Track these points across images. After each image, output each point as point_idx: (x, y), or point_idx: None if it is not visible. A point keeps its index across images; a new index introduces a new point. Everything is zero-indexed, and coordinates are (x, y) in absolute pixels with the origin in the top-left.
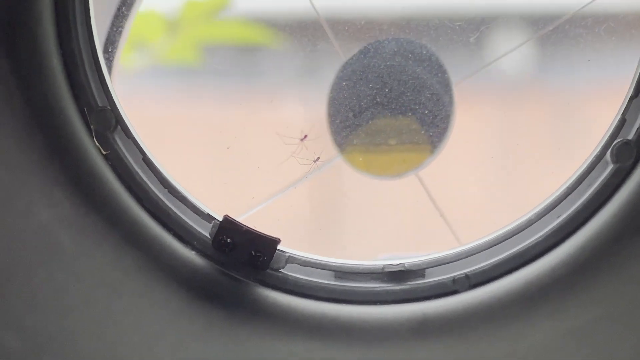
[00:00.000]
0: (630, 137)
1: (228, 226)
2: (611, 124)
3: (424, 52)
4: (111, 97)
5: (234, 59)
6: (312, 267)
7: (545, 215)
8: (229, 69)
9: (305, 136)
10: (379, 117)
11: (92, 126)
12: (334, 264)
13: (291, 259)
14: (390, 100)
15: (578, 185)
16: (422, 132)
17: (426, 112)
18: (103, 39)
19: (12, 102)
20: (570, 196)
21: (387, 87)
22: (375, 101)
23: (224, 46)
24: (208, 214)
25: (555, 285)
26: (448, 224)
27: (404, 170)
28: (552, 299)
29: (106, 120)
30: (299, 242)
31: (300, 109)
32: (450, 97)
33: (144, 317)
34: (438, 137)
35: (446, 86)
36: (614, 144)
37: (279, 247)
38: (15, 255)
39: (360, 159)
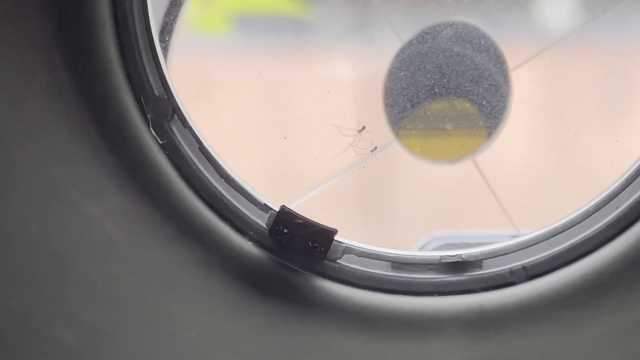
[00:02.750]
0: None
1: (285, 217)
2: None
3: (483, 42)
4: (168, 86)
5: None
6: (369, 257)
7: (603, 206)
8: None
9: (363, 127)
10: (436, 101)
11: (148, 115)
12: (391, 255)
13: (348, 250)
14: (449, 91)
15: (637, 177)
16: (480, 122)
17: (484, 102)
18: (159, 27)
19: (67, 92)
20: (629, 187)
21: (445, 78)
22: (433, 92)
23: (256, 17)
24: (265, 204)
25: (615, 277)
26: (504, 209)
27: (461, 155)
28: (612, 291)
29: (163, 110)
30: (355, 227)
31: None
32: (508, 86)
33: (200, 310)
34: (495, 125)
35: (504, 75)
36: None
37: (336, 237)
38: (71, 249)
39: (417, 144)
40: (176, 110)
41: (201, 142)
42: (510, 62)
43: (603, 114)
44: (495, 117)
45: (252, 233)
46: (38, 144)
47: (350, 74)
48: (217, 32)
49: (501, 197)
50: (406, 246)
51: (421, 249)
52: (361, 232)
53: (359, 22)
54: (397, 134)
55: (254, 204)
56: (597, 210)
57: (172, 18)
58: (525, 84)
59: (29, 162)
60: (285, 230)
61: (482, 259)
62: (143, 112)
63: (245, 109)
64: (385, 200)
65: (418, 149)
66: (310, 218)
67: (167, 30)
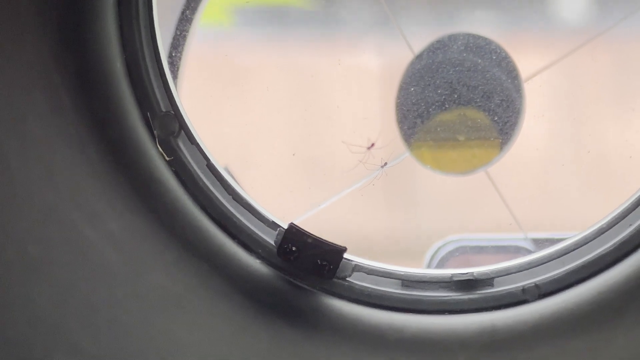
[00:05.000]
0: None
1: (293, 234)
2: None
3: (495, 57)
4: (175, 101)
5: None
6: (379, 275)
7: (616, 223)
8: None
9: (373, 144)
10: (448, 111)
11: (155, 132)
12: (401, 273)
13: (358, 268)
14: (459, 106)
15: None
16: (492, 136)
17: (496, 118)
18: (167, 43)
19: (71, 110)
20: None
21: (456, 93)
22: (443, 108)
23: (255, 7)
24: (273, 222)
25: (629, 296)
26: (517, 222)
27: (474, 167)
28: (627, 310)
29: (170, 126)
30: (367, 244)
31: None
32: (521, 100)
33: (206, 334)
34: (507, 139)
35: (518, 90)
36: None
37: (345, 255)
38: (73, 273)
39: (428, 156)
40: (183, 126)
41: (208, 158)
42: (523, 73)
43: (616, 130)
44: (507, 133)
45: (260, 251)
46: (41, 165)
47: (359, 90)
48: (218, 23)
49: (513, 207)
50: (420, 250)
51: (436, 252)
52: (372, 244)
53: (370, 33)
54: (408, 147)
55: (262, 221)
56: (611, 227)
57: (179, 33)
58: (538, 98)
59: (31, 184)
60: (294, 248)
61: (494, 277)
62: (149, 129)
63: (253, 125)
64: (397, 210)
65: (429, 162)
66: (319, 236)
67: (174, 45)
